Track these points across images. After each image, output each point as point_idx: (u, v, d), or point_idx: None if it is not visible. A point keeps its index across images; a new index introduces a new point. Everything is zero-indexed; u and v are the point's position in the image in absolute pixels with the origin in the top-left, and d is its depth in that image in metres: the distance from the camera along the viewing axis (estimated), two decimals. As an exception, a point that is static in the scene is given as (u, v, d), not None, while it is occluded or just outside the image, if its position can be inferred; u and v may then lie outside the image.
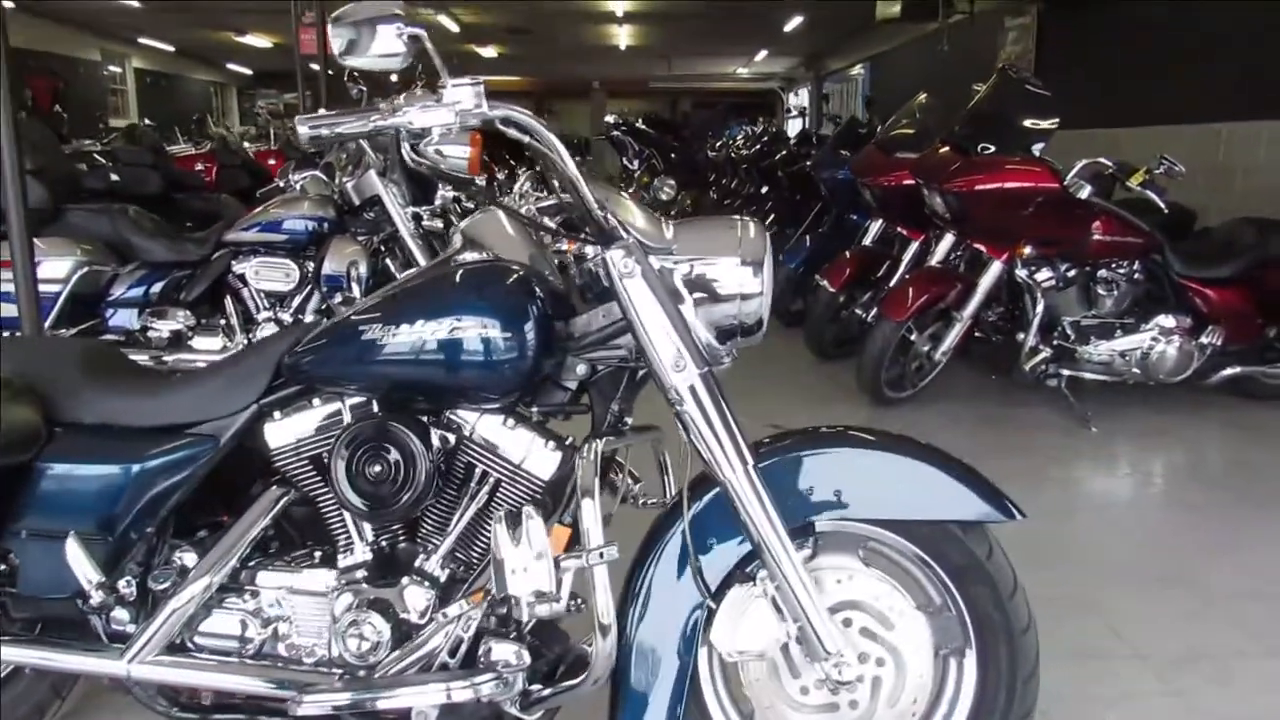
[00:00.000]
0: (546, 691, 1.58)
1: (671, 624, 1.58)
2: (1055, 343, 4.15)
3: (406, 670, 1.58)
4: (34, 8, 14.35)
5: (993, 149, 4.04)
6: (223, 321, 4.21)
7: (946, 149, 4.19)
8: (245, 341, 4.13)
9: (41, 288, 3.90)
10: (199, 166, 7.13)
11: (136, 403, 1.74)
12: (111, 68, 16.93)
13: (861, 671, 1.55)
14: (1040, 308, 4.04)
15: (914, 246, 4.84)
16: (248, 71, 22.86)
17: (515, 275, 1.60)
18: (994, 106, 4.10)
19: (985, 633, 1.60)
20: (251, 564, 1.71)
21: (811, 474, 1.60)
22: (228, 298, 4.22)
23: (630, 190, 7.14)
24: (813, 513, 1.59)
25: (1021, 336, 4.10)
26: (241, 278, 4.19)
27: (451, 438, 1.64)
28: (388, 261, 4.21)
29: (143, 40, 16.96)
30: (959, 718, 1.61)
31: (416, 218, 4.16)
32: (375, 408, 1.65)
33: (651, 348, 1.54)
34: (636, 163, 7.15)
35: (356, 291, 4.07)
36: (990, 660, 1.60)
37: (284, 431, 1.68)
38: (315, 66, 7.67)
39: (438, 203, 4.25)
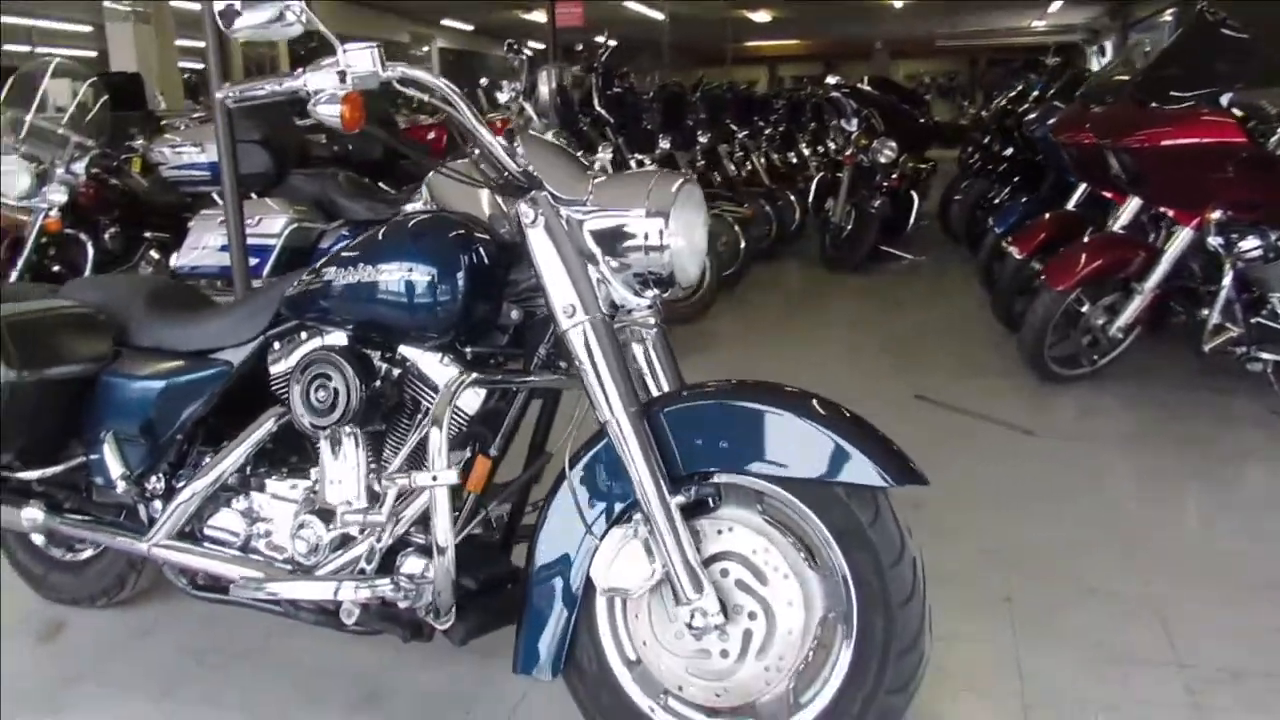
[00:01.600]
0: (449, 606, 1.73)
1: (564, 555, 1.67)
2: (1255, 321, 3.65)
3: (339, 571, 1.79)
4: (356, -2, 16.16)
5: (1186, 100, 3.59)
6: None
7: (1128, 101, 3.79)
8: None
9: (261, 241, 4.54)
10: (430, 136, 7.89)
11: (177, 330, 2.08)
12: (419, 49, 18.70)
13: (719, 621, 1.55)
14: (1228, 280, 3.57)
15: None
16: (540, 47, 24.30)
17: (452, 226, 1.75)
18: (1184, 52, 3.64)
19: (864, 600, 1.54)
20: (252, 473, 1.99)
21: (710, 425, 1.61)
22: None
23: (847, 153, 6.97)
24: (706, 463, 1.60)
25: (1205, 313, 3.65)
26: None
27: (396, 371, 1.83)
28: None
29: (445, 22, 18.57)
30: (831, 683, 1.57)
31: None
32: (345, 342, 1.87)
33: (547, 294, 1.64)
34: (855, 123, 6.95)
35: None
36: (866, 629, 1.54)
37: (277, 361, 1.94)
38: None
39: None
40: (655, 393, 1.74)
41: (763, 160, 7.89)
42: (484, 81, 4.59)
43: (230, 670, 2.08)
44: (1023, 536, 2.63)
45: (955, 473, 2.80)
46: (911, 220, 7.30)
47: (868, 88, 7.76)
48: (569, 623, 1.66)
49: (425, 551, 1.75)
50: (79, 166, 5.10)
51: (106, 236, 5.21)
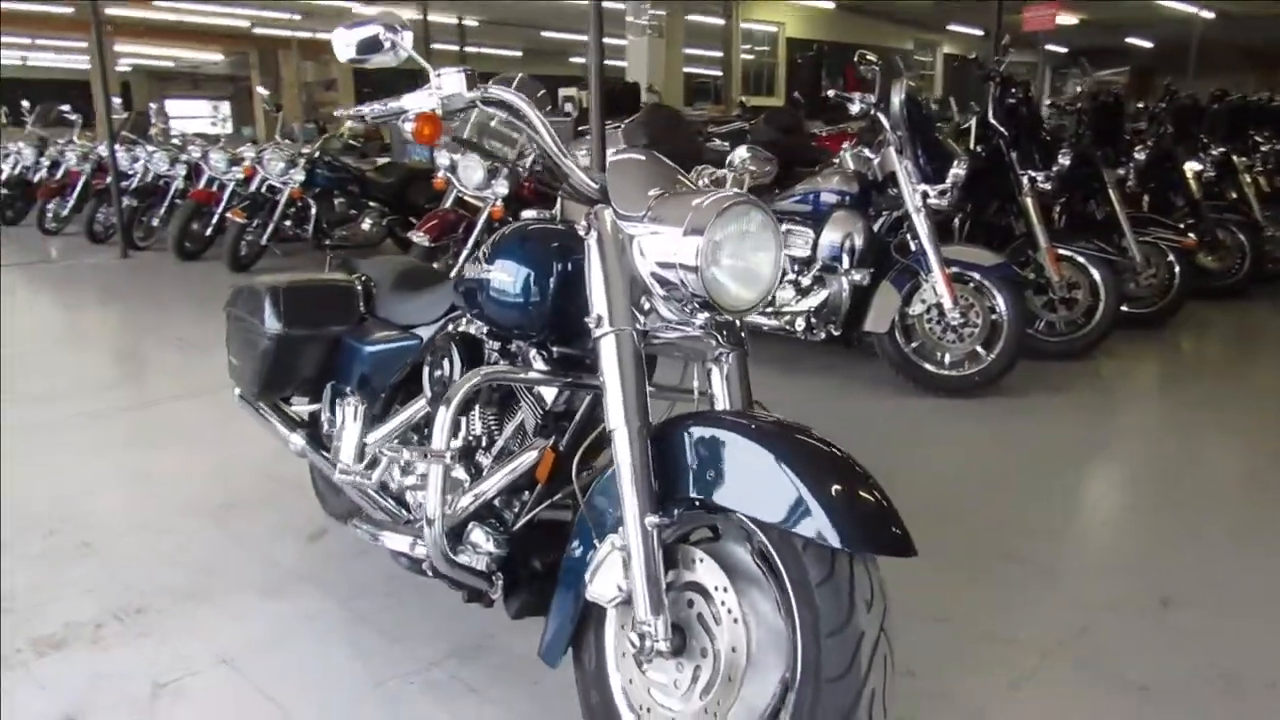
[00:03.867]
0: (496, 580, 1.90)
1: (580, 556, 1.75)
2: None
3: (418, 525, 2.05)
4: (862, 7, 16.47)
5: None
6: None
7: None
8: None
9: None
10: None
11: (397, 307, 2.48)
12: (925, 56, 18.46)
13: (665, 648, 1.52)
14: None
15: None
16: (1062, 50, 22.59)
17: (554, 235, 1.91)
18: None
19: (801, 664, 1.42)
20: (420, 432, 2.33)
21: (703, 454, 1.58)
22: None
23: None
24: (690, 489, 1.59)
25: None
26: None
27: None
28: (906, 237, 4.33)
29: (951, 27, 18.07)
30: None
31: (925, 195, 4.22)
32: (470, 331, 2.12)
33: (589, 303, 1.73)
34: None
35: (847, 263, 4.31)
36: (799, 696, 1.42)
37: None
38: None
39: (949, 181, 4.23)
40: None
41: (1249, 182, 6.70)
42: (830, 93, 4.53)
43: (404, 595, 2.45)
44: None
45: None
46: None
47: None
48: (572, 620, 1.73)
49: (490, 524, 1.94)
50: (526, 164, 6.02)
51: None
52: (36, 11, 15.90)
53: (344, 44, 1.75)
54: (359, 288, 2.58)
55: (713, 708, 1.52)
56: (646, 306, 1.73)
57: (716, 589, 1.55)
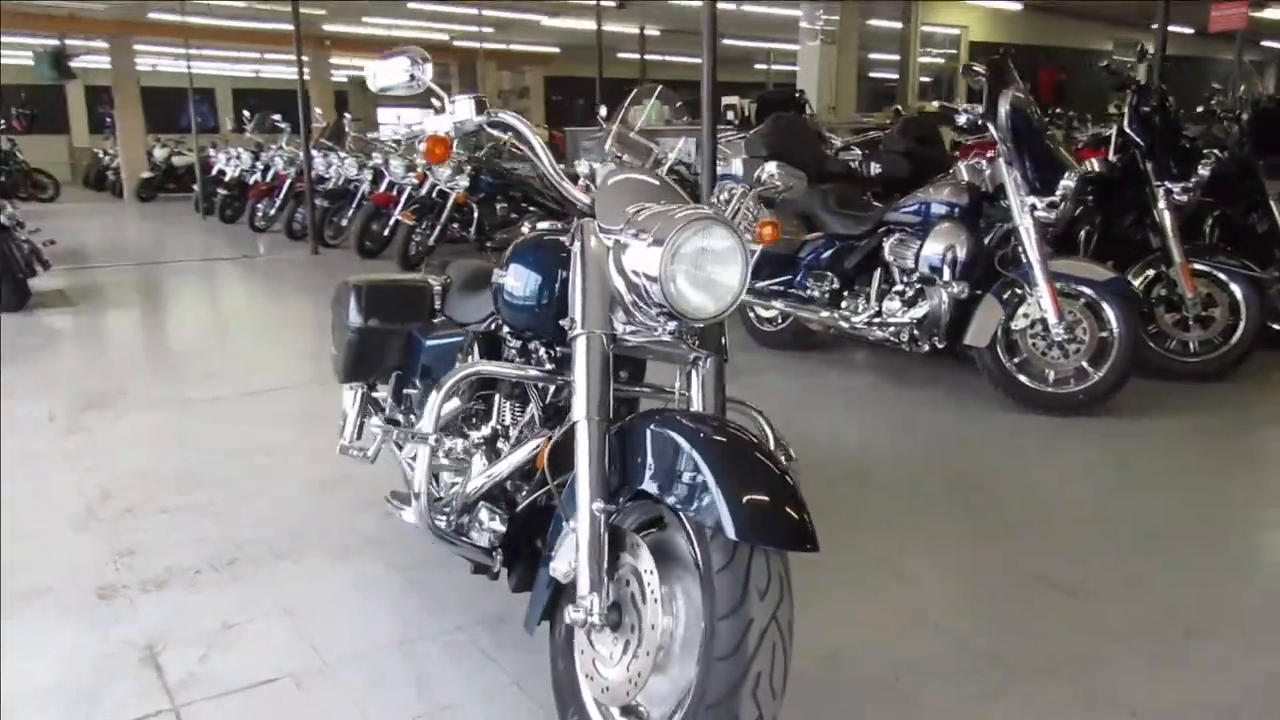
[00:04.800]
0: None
1: (556, 535, 1.93)
2: None
3: (437, 502, 2.27)
4: (1055, 6, 15.71)
5: None
6: (865, 288, 4.83)
7: None
8: (875, 309, 4.69)
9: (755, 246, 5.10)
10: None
11: (459, 305, 2.74)
12: (1127, 57, 17.31)
13: (597, 622, 1.66)
14: None
15: None
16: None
17: (559, 245, 2.10)
18: None
19: (701, 642, 1.55)
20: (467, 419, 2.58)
21: (649, 447, 1.71)
22: (879, 269, 4.81)
23: None
24: (635, 480, 1.73)
25: None
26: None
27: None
28: (1018, 250, 4.25)
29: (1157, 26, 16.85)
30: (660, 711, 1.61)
31: (1033, 207, 4.13)
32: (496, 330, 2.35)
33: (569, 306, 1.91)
34: None
35: (947, 275, 4.27)
36: (698, 671, 1.55)
37: None
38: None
39: (1058, 194, 4.12)
40: None
41: None
42: (935, 104, 4.47)
43: (453, 567, 2.69)
44: None
45: None
46: None
47: None
48: (546, 594, 1.91)
49: (496, 502, 2.16)
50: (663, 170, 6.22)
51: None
52: (264, 30, 17.60)
53: (374, 75, 2.00)
54: (436, 288, 2.86)
55: (634, 678, 1.67)
56: (622, 313, 1.88)
57: (646, 572, 1.69)
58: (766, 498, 1.55)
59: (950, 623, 2.44)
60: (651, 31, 18.08)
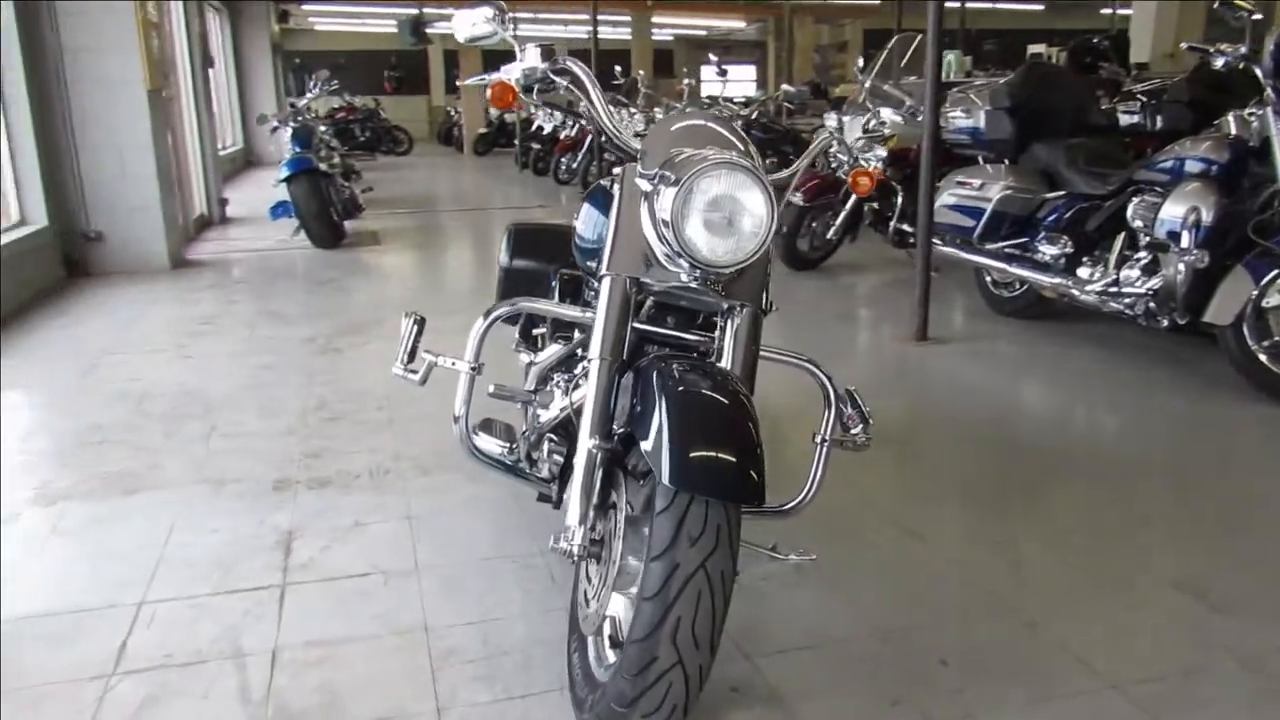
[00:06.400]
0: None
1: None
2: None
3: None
4: None
5: None
6: (1104, 254, 4.35)
7: None
8: (1114, 276, 4.22)
9: (976, 204, 4.86)
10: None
11: None
12: None
13: (577, 551, 1.71)
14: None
15: None
16: None
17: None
18: None
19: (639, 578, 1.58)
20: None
21: (641, 392, 1.74)
22: (1123, 234, 4.30)
23: None
24: (624, 423, 1.76)
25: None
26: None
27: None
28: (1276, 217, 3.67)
29: None
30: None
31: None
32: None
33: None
34: None
35: (1186, 241, 3.74)
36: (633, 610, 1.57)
37: None
38: None
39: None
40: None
41: None
42: (1183, 45, 3.85)
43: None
44: None
45: None
46: None
47: None
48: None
49: (559, 438, 2.26)
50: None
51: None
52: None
53: (458, 27, 2.15)
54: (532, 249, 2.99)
55: (599, 608, 1.73)
56: (654, 257, 1.90)
57: (617, 509, 1.73)
58: (712, 449, 1.54)
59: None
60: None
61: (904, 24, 9.51)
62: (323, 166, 7.66)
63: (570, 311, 2.18)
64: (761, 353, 2.06)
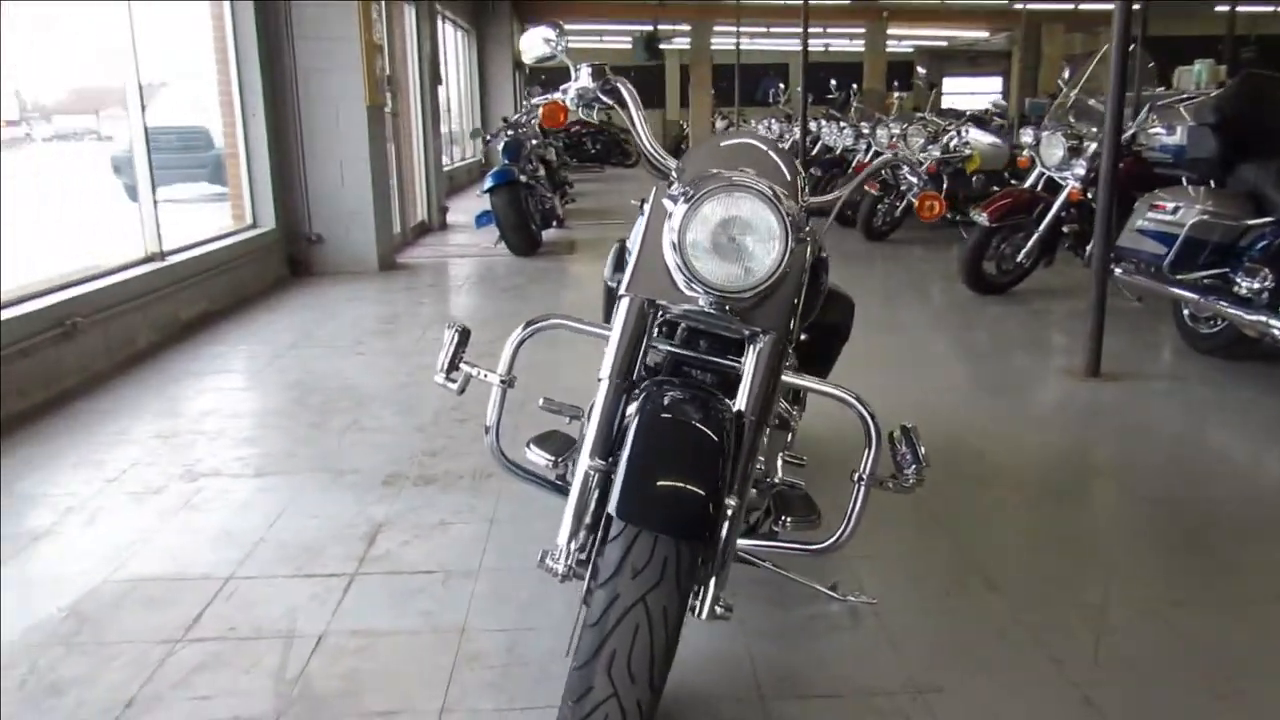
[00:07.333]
0: None
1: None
2: None
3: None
4: None
5: None
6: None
7: None
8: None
9: (1169, 229, 4.44)
10: None
11: None
12: None
13: (559, 569, 1.73)
14: None
15: None
16: None
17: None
18: None
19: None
20: None
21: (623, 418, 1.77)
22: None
23: None
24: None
25: None
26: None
27: None
28: None
29: None
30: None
31: None
32: None
33: None
34: None
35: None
36: (576, 636, 1.56)
37: None
38: None
39: None
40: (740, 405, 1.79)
41: None
42: None
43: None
44: None
45: None
46: None
47: None
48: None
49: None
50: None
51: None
52: (825, 5, 18.32)
53: (526, 48, 2.21)
54: None
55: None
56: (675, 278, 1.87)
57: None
58: (668, 481, 1.50)
59: None
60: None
61: (1149, 31, 8.76)
62: (523, 179, 8.03)
63: (598, 330, 2.18)
64: (802, 382, 1.99)
